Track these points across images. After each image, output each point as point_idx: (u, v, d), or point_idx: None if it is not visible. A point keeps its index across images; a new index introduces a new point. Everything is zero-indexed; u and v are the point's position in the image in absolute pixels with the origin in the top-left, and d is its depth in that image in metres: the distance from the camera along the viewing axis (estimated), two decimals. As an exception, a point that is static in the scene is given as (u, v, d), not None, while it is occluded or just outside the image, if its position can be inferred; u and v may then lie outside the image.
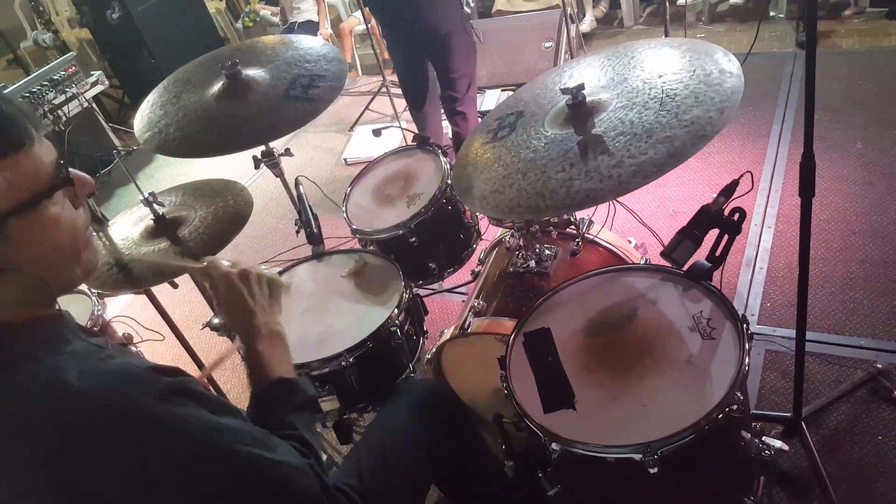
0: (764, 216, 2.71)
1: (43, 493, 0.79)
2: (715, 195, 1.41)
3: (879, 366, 2.01)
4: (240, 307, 1.15)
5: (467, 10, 2.97)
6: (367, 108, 4.40)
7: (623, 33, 4.87)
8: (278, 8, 5.88)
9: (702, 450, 1.25)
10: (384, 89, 4.11)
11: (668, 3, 3.29)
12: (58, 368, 0.80)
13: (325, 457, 1.69)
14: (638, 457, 1.20)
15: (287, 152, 2.09)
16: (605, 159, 1.37)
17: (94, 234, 1.37)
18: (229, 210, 1.83)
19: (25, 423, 0.79)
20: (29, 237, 0.81)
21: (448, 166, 1.95)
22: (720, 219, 1.39)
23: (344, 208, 2.04)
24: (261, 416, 1.06)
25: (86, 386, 0.79)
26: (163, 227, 1.78)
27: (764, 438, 1.43)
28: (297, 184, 1.99)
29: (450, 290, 2.74)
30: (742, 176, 1.40)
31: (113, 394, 0.80)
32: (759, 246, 2.59)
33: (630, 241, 2.03)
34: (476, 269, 2.08)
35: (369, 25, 4.27)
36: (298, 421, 1.07)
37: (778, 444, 1.41)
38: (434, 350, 1.89)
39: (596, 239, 1.98)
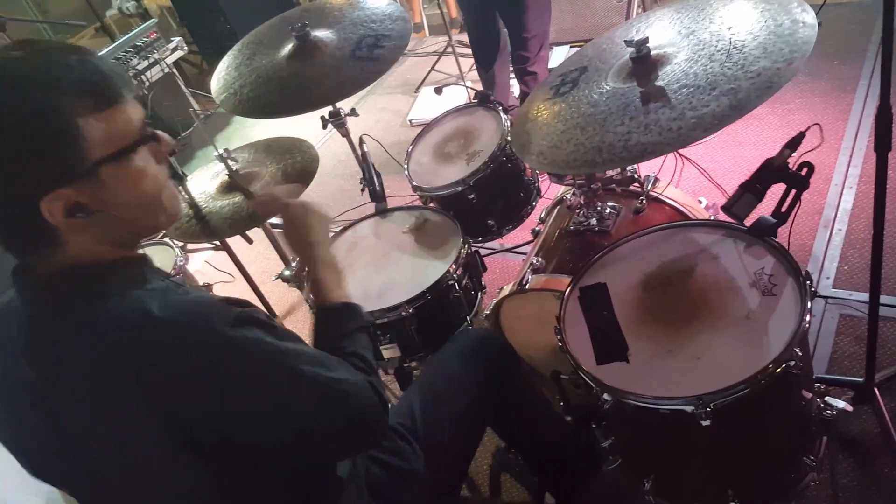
0: (845, 176, 2.59)
1: (134, 410, 0.87)
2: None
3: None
4: (301, 231, 1.26)
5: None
6: (432, 69, 4.39)
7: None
8: None
9: (757, 405, 1.24)
10: (450, 49, 4.10)
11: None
12: (141, 301, 0.88)
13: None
14: (690, 409, 1.20)
15: (353, 112, 2.13)
16: (666, 112, 1.35)
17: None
18: (297, 166, 1.89)
19: (113, 349, 0.86)
20: (118, 184, 0.89)
21: (508, 123, 1.95)
22: (785, 172, 1.34)
23: (405, 166, 2.07)
24: (322, 338, 1.15)
25: (166, 315, 0.86)
26: (236, 181, 1.86)
27: (827, 399, 1.40)
28: (361, 143, 2.04)
29: (510, 250, 2.75)
30: (809, 128, 1.35)
31: (190, 322, 0.87)
32: (838, 207, 2.48)
33: (700, 202, 1.99)
34: (536, 228, 2.08)
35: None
36: (357, 341, 1.14)
37: (841, 404, 1.38)
38: (493, 306, 1.92)
39: (661, 197, 1.94)
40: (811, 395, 1.38)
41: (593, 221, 1.88)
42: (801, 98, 3.05)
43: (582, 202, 1.90)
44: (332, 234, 2.01)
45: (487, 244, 2.66)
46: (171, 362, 0.85)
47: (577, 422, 1.76)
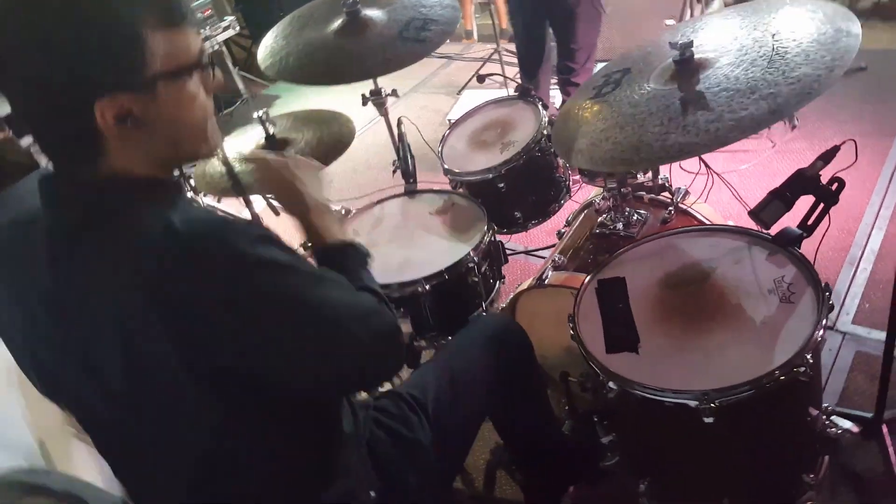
0: (876, 217, 2.57)
1: (146, 321, 0.88)
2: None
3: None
4: (286, 186, 1.26)
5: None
6: (476, 72, 4.44)
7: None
8: None
9: (761, 410, 1.23)
10: (496, 56, 4.14)
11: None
12: (165, 216, 0.90)
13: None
14: (694, 403, 1.20)
15: (394, 93, 2.17)
16: (705, 114, 1.36)
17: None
18: (333, 136, 1.93)
19: (132, 259, 0.88)
20: (171, 102, 0.92)
21: (546, 118, 1.97)
22: (816, 184, 1.34)
23: (440, 149, 2.10)
24: None
25: (189, 229, 0.88)
26: (272, 144, 1.90)
27: (833, 417, 1.39)
28: (399, 123, 2.07)
29: (531, 252, 2.75)
30: (844, 143, 1.35)
31: (211, 235, 0.89)
32: (865, 246, 2.46)
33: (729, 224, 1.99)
34: (562, 230, 2.09)
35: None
36: (363, 276, 1.16)
37: (847, 424, 1.37)
38: (510, 299, 1.93)
39: (690, 209, 1.94)
40: (818, 412, 1.37)
41: (619, 226, 1.89)
42: (842, 137, 3.03)
43: (611, 206, 1.91)
44: (359, 208, 2.04)
45: (510, 244, 2.67)
46: (189, 275, 0.87)
47: (580, 423, 1.76)
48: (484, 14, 5.75)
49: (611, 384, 1.30)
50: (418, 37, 1.99)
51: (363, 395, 1.54)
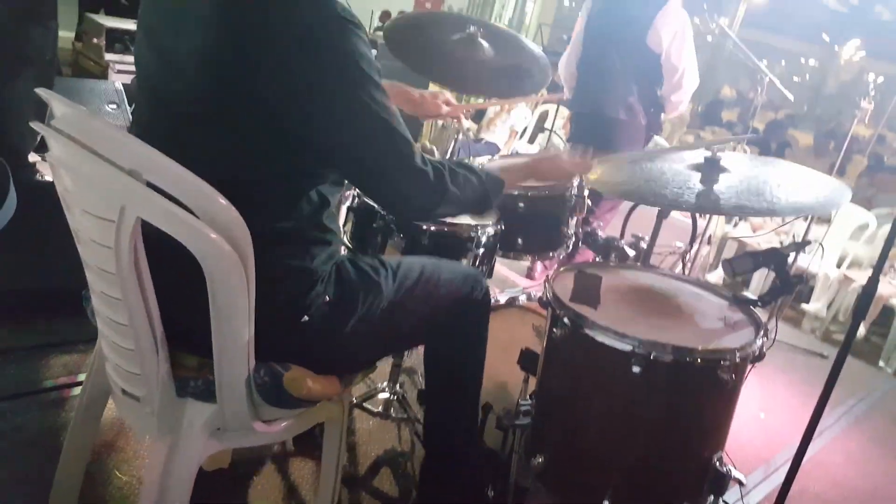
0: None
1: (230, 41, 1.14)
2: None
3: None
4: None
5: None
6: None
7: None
8: (476, 126, 6.61)
9: (682, 385, 1.37)
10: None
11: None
12: None
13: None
14: (627, 348, 1.34)
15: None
16: (714, 193, 1.64)
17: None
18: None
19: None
20: None
21: (580, 178, 2.24)
22: (781, 266, 1.57)
23: (479, 161, 2.36)
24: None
25: None
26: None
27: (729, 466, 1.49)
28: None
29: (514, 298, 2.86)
30: (818, 243, 1.61)
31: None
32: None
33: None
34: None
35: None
36: (470, 181, 1.42)
37: (741, 475, 1.47)
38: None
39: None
40: (719, 447, 1.49)
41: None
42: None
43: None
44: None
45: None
46: (287, 19, 1.12)
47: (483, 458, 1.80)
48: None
49: (565, 320, 1.44)
50: (510, 81, 2.36)
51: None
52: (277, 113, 1.16)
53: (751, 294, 1.63)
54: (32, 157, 2.51)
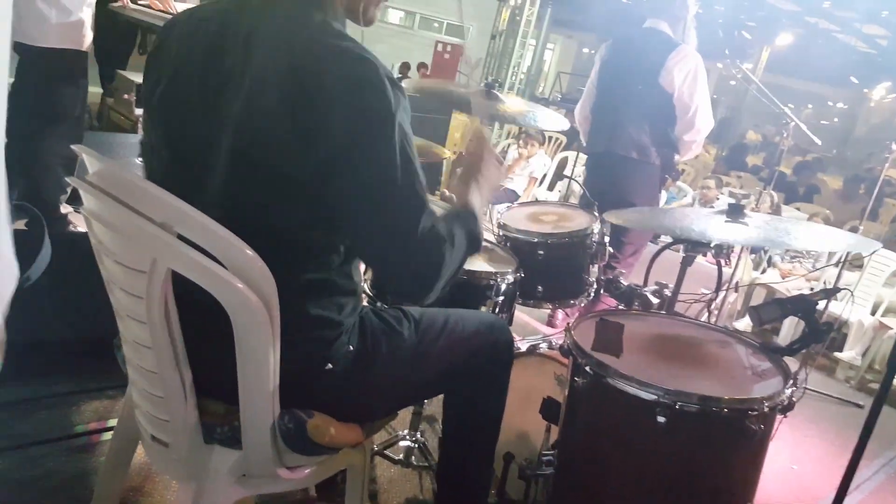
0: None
1: (276, 101, 1.14)
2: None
3: None
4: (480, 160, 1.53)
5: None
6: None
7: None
8: None
9: (708, 435, 1.35)
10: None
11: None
12: (324, 28, 1.20)
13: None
14: (652, 397, 1.33)
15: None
16: (739, 227, 1.65)
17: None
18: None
19: (282, 59, 1.15)
20: None
21: (601, 224, 2.25)
22: (810, 313, 1.56)
23: (498, 209, 2.39)
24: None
25: (341, 44, 1.17)
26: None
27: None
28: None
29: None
30: (848, 290, 1.60)
31: (358, 54, 1.16)
32: None
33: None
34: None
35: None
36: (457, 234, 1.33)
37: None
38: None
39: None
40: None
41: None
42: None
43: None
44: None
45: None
46: (332, 80, 1.13)
47: None
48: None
49: (587, 368, 1.44)
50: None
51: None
52: (319, 171, 1.16)
53: (780, 342, 1.60)
54: (64, 209, 2.60)
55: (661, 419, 1.32)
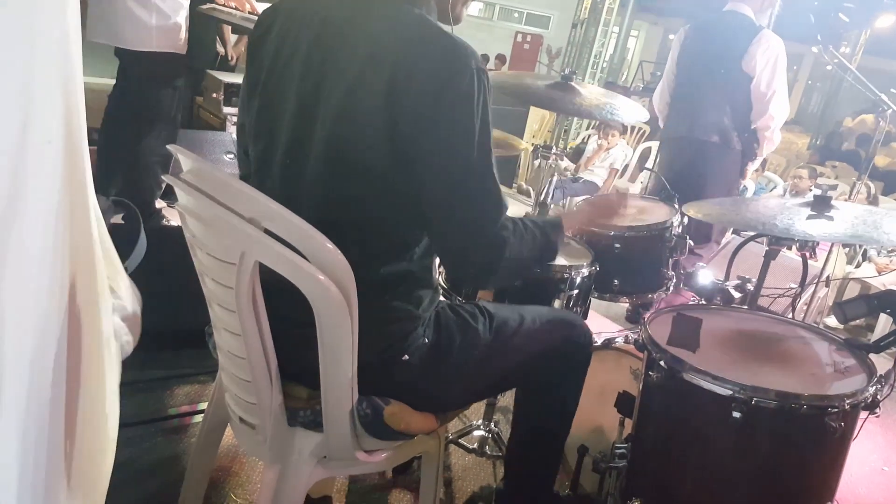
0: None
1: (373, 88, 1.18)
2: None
3: None
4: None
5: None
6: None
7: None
8: (573, 165, 6.58)
9: (785, 432, 1.32)
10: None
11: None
12: (420, 22, 1.22)
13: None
14: (727, 392, 1.31)
15: (560, 154, 2.52)
16: (823, 222, 1.59)
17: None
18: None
19: (382, 54, 1.19)
20: None
21: (681, 216, 2.21)
22: (900, 311, 1.49)
23: (576, 202, 2.38)
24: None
25: (439, 38, 1.19)
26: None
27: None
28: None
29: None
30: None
31: (453, 40, 1.20)
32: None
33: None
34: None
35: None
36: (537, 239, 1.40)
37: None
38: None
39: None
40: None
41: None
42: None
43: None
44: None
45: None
46: (425, 74, 1.16)
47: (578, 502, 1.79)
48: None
49: (661, 362, 1.43)
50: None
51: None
52: (402, 159, 1.20)
53: (868, 339, 1.54)
54: (159, 204, 2.77)
55: (736, 415, 1.30)
